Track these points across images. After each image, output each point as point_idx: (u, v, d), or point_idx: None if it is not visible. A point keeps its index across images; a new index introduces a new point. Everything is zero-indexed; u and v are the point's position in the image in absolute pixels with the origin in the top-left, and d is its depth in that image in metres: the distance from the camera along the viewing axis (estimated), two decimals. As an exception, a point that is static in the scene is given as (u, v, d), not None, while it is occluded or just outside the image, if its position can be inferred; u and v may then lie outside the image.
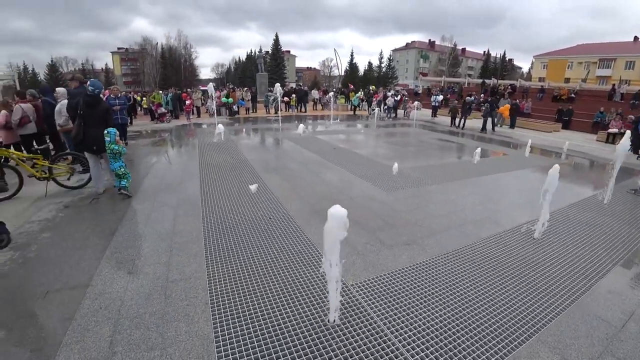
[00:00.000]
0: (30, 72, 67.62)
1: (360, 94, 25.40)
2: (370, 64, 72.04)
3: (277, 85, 17.65)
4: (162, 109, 16.63)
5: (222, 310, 2.83)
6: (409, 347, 2.51)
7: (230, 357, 2.37)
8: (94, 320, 2.70)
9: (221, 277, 3.32)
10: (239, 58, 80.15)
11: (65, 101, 6.67)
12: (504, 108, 17.73)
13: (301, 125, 12.71)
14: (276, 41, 65.84)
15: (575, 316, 2.94)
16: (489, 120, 15.89)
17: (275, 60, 64.76)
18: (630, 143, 5.72)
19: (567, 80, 38.86)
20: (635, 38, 46.79)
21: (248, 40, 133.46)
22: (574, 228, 4.84)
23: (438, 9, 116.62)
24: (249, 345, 2.47)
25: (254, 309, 2.87)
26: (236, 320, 2.73)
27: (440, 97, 22.50)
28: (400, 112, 22.29)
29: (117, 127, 5.68)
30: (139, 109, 20.02)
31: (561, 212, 5.40)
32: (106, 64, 74.68)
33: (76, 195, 5.60)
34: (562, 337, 2.68)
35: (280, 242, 4.08)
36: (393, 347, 2.50)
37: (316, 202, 5.44)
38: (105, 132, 5.28)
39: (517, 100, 19.97)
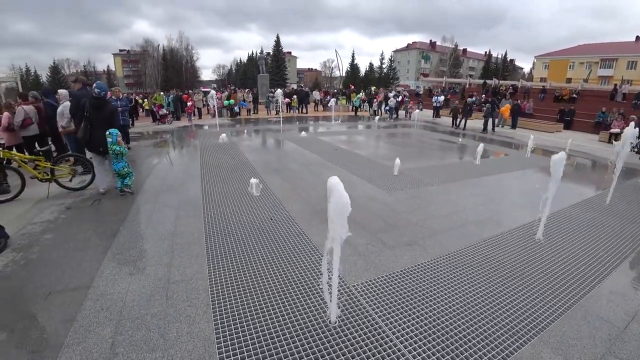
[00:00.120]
0: (32, 74, 67.83)
1: (362, 94, 25.41)
2: (371, 64, 72.11)
3: (279, 91, 17.66)
4: (164, 111, 16.66)
5: (223, 311, 2.84)
6: (410, 347, 2.51)
7: (232, 358, 2.37)
8: (96, 321, 2.70)
9: (222, 278, 3.33)
10: (240, 59, 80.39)
11: (68, 103, 6.70)
12: (505, 108, 17.69)
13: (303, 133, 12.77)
14: (277, 42, 65.96)
15: (578, 317, 2.93)
16: (490, 120, 15.87)
17: (277, 62, 64.85)
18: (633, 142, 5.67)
19: (569, 80, 38.74)
20: (637, 38, 46.67)
21: (249, 42, 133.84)
22: (576, 228, 4.82)
23: (439, 9, 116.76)
24: (251, 347, 2.47)
25: (256, 309, 2.87)
26: (237, 321, 2.73)
27: (442, 98, 22.48)
28: (401, 112, 22.25)
29: (119, 129, 5.71)
30: (141, 110, 20.09)
31: (563, 213, 5.38)
32: (108, 66, 75.04)
33: (78, 196, 5.62)
34: (564, 338, 2.67)
35: (282, 243, 4.08)
36: (395, 348, 2.49)
37: (317, 202, 5.44)
38: (107, 133, 5.34)
39: (519, 101, 19.92)
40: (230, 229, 4.45)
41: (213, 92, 16.14)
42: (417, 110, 18.10)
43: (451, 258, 3.86)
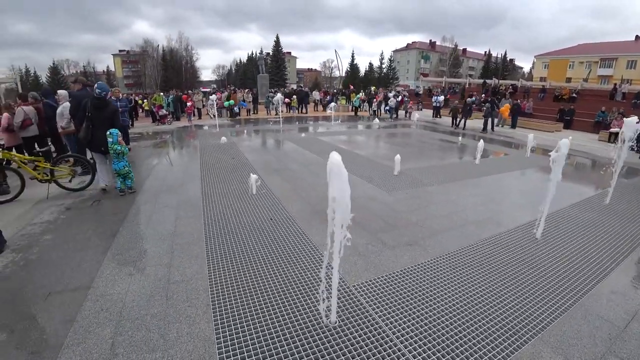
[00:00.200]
0: (32, 75, 67.89)
1: (362, 94, 25.41)
2: (371, 64, 72.11)
3: (279, 95, 17.63)
4: (163, 111, 16.66)
5: (223, 312, 2.83)
6: (410, 347, 2.50)
7: (232, 358, 2.37)
8: (96, 322, 2.70)
9: (222, 278, 3.32)
10: (240, 60, 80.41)
11: (67, 104, 6.70)
12: (504, 108, 17.70)
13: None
14: (277, 42, 65.98)
15: (578, 316, 2.93)
16: (490, 120, 15.88)
17: (276, 62, 64.87)
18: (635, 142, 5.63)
19: (569, 80, 38.72)
20: (637, 37, 46.70)
21: (249, 42, 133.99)
22: (575, 228, 4.82)
23: (439, 9, 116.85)
24: (251, 347, 2.46)
25: (256, 310, 2.87)
26: (237, 321, 2.72)
27: (442, 98, 22.48)
28: (401, 112, 22.25)
29: (120, 129, 5.73)
30: (140, 111, 20.09)
31: (563, 212, 5.38)
32: (107, 67, 75.16)
33: (77, 197, 5.62)
34: (564, 338, 2.67)
35: (282, 243, 4.08)
36: (395, 348, 2.49)
37: (317, 202, 5.43)
38: (108, 133, 5.39)
39: (519, 100, 19.92)
40: (230, 229, 4.45)
41: (213, 97, 16.11)
42: (417, 115, 17.98)
43: (451, 258, 3.86)
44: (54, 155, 7.26)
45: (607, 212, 5.48)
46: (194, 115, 18.04)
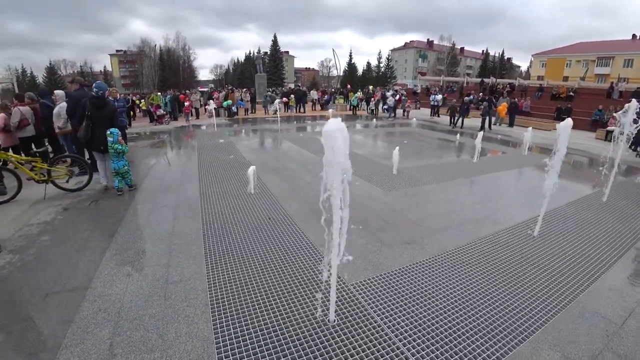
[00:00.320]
0: (28, 75, 67.60)
1: (359, 93, 25.40)
2: (369, 63, 72.29)
3: (277, 101, 17.57)
4: (161, 111, 16.61)
5: (222, 311, 2.83)
6: (409, 345, 2.51)
7: (231, 357, 2.37)
8: (94, 322, 2.69)
9: (221, 278, 3.32)
10: (238, 59, 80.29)
11: (64, 104, 6.67)
12: (502, 107, 17.74)
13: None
14: (274, 42, 65.88)
15: (576, 314, 2.94)
16: (488, 118, 15.91)
17: (274, 61, 64.78)
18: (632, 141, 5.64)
19: (566, 78, 38.88)
20: (634, 36, 46.85)
21: (246, 41, 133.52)
22: (573, 226, 4.84)
23: (437, 8, 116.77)
24: (249, 346, 2.46)
25: (254, 309, 2.86)
26: (236, 321, 2.72)
27: (439, 97, 22.49)
28: (399, 111, 22.27)
29: (119, 129, 5.75)
30: (138, 110, 20.01)
31: (560, 210, 5.40)
32: (105, 66, 74.84)
33: (75, 197, 5.59)
34: (562, 335, 2.68)
35: (280, 243, 4.08)
36: (394, 346, 2.50)
37: (315, 202, 5.42)
38: (108, 132, 5.45)
39: (516, 99, 19.98)
40: (228, 229, 4.45)
41: (212, 103, 16.11)
42: (415, 119, 17.96)
43: (449, 256, 3.87)
44: (51, 155, 7.23)
45: (604, 210, 5.51)
46: (191, 115, 18.00)
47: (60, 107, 6.72)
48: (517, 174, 7.93)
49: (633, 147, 10.88)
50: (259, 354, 2.40)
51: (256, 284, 3.24)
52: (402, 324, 2.75)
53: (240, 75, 70.08)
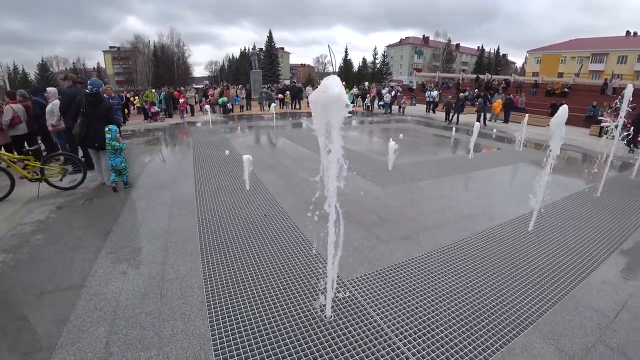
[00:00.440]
0: (20, 72, 66.64)
1: (355, 90, 25.38)
2: (364, 60, 72.00)
3: (273, 105, 17.47)
4: (156, 108, 16.48)
5: (218, 308, 2.83)
6: (405, 340, 2.53)
7: (227, 354, 2.37)
8: (89, 321, 2.68)
9: (217, 275, 3.32)
10: (233, 55, 79.52)
11: (57, 101, 6.59)
12: (496, 104, 17.83)
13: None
14: (270, 38, 65.45)
15: (569, 307, 2.98)
16: (483, 114, 15.98)
17: (269, 57, 64.39)
18: (626, 136, 5.73)
19: (561, 75, 39.11)
20: (627, 33, 47.16)
21: (241, 38, 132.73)
22: (567, 221, 4.89)
23: (432, 4, 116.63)
24: (246, 343, 2.47)
25: (251, 306, 2.87)
26: (233, 317, 2.72)
27: (435, 93, 22.53)
28: (394, 108, 22.29)
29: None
30: (132, 107, 19.84)
31: (554, 206, 5.45)
32: (98, 63, 73.79)
33: (69, 196, 5.55)
34: (556, 328, 2.71)
35: (276, 239, 4.07)
36: (390, 342, 2.51)
37: (311, 198, 5.43)
38: (107, 129, 5.49)
39: (511, 95, 20.06)
40: (224, 225, 4.43)
41: (208, 107, 16.00)
42: (409, 117, 17.97)
43: (445, 252, 3.89)
44: (44, 153, 7.15)
45: (598, 205, 5.57)
46: (186, 112, 17.88)
47: (53, 105, 6.64)
48: (511, 170, 7.98)
49: (626, 143, 10.98)
50: (256, 350, 2.40)
51: (252, 280, 3.23)
52: (399, 319, 2.76)
53: (236, 71, 69.60)
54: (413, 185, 6.39)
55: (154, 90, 20.32)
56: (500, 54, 71.47)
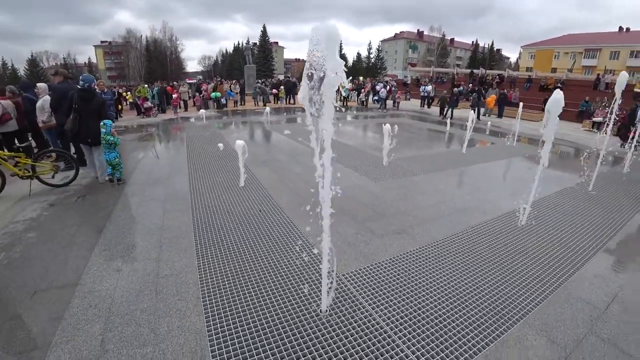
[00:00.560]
0: (9, 67, 65.41)
1: (350, 85, 25.29)
2: (359, 54, 71.87)
3: (267, 108, 17.21)
4: (148, 103, 16.29)
5: (214, 304, 2.83)
6: (400, 334, 2.55)
7: (224, 349, 2.37)
8: (84, 318, 2.66)
9: (212, 270, 3.31)
10: (226, 50, 78.82)
11: (48, 97, 6.49)
12: (490, 99, 17.91)
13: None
14: (264, 33, 65.01)
15: (561, 300, 3.03)
16: (477, 109, 16.04)
17: (263, 52, 63.96)
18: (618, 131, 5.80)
19: (554, 70, 39.32)
20: (620, 28, 47.49)
21: (235, 32, 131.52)
22: (559, 215, 4.95)
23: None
24: (242, 338, 2.47)
25: (246, 301, 2.87)
26: (229, 313, 2.73)
27: (429, 88, 22.55)
28: (389, 102, 22.28)
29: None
30: (125, 103, 19.60)
31: (547, 200, 5.51)
32: (89, 58, 72.66)
33: (62, 193, 5.48)
34: (548, 320, 2.76)
35: (271, 234, 4.07)
36: (385, 335, 2.54)
37: (305, 193, 5.43)
38: (102, 123, 5.50)
39: (505, 90, 20.15)
40: (218, 221, 4.42)
41: (203, 112, 15.72)
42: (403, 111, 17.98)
43: (439, 246, 3.92)
44: (35, 150, 7.05)
45: (590, 200, 5.64)
46: (179, 107, 17.72)
47: (44, 101, 6.53)
48: (505, 165, 8.05)
49: (620, 137, 11.09)
50: (252, 345, 2.41)
51: (248, 275, 3.24)
52: (393, 312, 2.79)
53: (229, 66, 69.00)
54: (407, 180, 6.41)
55: (146, 85, 20.08)
56: (495, 49, 71.61)
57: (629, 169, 7.50)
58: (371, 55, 68.31)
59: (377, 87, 22.64)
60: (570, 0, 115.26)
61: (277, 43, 79.71)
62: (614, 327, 2.70)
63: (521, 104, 10.93)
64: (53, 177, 5.75)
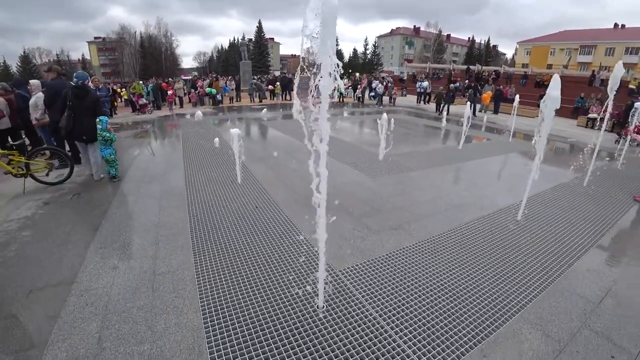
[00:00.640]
0: (1, 64, 64.48)
1: (346, 80, 25.25)
2: (355, 50, 71.65)
3: (264, 110, 17.06)
4: (143, 100, 16.15)
5: (211, 301, 2.83)
6: (397, 329, 2.57)
7: (221, 346, 2.38)
8: (81, 317, 2.66)
9: (209, 267, 3.31)
10: (222, 46, 78.18)
11: (41, 94, 6.42)
12: (486, 95, 17.95)
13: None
14: (259, 28, 64.55)
15: (556, 294, 3.06)
16: (473, 105, 16.07)
17: (259, 48, 63.57)
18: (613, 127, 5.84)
19: (550, 66, 39.38)
20: (615, 25, 47.65)
21: (230, 28, 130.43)
22: (554, 210, 4.99)
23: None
24: (239, 334, 2.48)
25: (243, 298, 2.87)
26: (226, 309, 2.73)
27: (426, 84, 22.56)
28: (385, 98, 22.27)
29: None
30: (119, 100, 19.41)
31: (542, 195, 5.55)
32: (83, 54, 71.63)
33: (56, 191, 5.44)
34: (543, 314, 2.79)
35: (267, 230, 4.07)
36: (382, 330, 2.55)
37: (302, 189, 5.43)
38: (98, 120, 5.50)
39: (501, 86, 20.19)
40: (215, 218, 4.41)
41: (200, 114, 15.46)
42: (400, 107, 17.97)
43: (435, 241, 3.95)
44: (29, 148, 6.97)
45: (584, 195, 5.69)
46: (175, 103, 17.58)
47: (37, 98, 6.46)
48: (501, 160, 8.09)
49: (617, 133, 11.20)
50: (249, 342, 2.41)
51: (244, 272, 3.24)
52: (390, 307, 2.80)
53: (225, 62, 68.54)
54: (404, 176, 6.43)
55: (141, 82, 19.89)
56: (491, 45, 71.71)
57: (623, 164, 7.57)
58: (367, 51, 68.16)
59: (373, 85, 22.61)
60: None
61: (272, 39, 79.24)
62: (608, 321, 2.74)
63: (517, 95, 10.96)
64: (47, 175, 5.70)
